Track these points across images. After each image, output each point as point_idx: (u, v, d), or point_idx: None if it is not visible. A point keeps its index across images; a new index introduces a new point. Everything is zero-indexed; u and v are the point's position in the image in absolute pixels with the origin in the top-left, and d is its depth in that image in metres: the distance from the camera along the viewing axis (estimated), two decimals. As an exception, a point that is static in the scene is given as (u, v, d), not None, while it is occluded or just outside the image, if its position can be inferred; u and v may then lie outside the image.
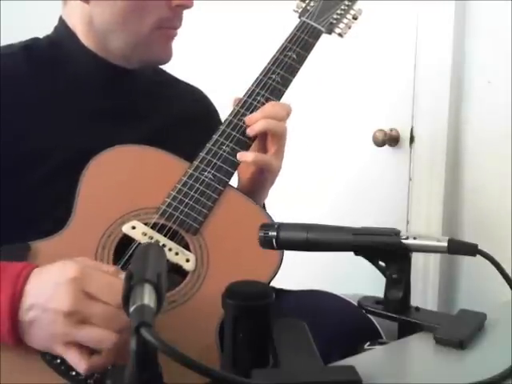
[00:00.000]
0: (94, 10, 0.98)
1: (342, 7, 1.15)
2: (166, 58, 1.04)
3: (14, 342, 0.76)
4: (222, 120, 1.04)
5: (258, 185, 1.05)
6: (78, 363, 0.75)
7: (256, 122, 0.99)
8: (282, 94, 1.05)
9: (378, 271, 0.79)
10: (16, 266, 0.78)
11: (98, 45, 1.01)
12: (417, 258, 1.53)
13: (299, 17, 1.14)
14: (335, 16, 1.14)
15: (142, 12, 0.97)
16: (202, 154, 0.98)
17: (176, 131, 1.06)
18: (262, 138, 1.02)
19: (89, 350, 0.75)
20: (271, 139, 1.01)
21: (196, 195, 0.94)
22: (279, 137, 1.01)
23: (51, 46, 1.03)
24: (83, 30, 1.01)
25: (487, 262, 0.77)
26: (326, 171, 1.78)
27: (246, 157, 0.98)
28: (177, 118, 1.09)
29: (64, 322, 0.74)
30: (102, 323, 0.74)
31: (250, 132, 0.99)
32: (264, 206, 1.13)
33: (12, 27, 1.77)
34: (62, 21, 1.04)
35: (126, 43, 0.99)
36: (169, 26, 1.01)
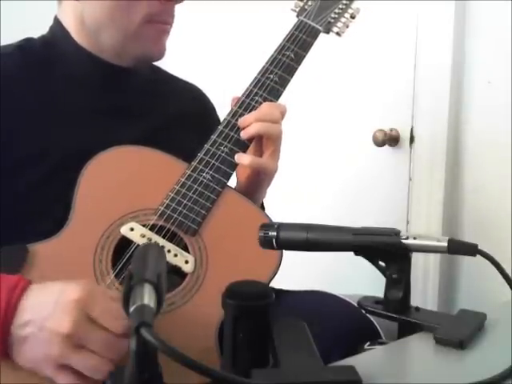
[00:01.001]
0: (84, 8, 0.98)
1: (340, 6, 1.14)
2: (159, 53, 1.03)
3: (1, 356, 0.73)
4: (220, 118, 1.04)
5: (255, 186, 1.04)
6: None
7: (249, 125, 0.99)
8: (280, 94, 1.05)
9: (378, 271, 0.79)
10: (11, 278, 0.76)
11: (91, 43, 1.01)
12: (417, 258, 1.53)
13: (297, 16, 1.13)
14: (333, 15, 1.14)
15: (129, 6, 0.96)
16: (201, 155, 0.97)
17: (173, 129, 1.06)
18: (258, 139, 1.01)
19: (81, 374, 0.73)
20: (266, 141, 1.01)
21: (194, 196, 0.94)
22: (274, 139, 1.00)
23: (46, 46, 1.03)
24: (77, 29, 1.01)
25: (487, 262, 0.77)
26: (326, 171, 1.78)
27: (242, 159, 0.98)
28: (174, 116, 1.09)
29: (61, 343, 0.71)
30: (99, 350, 0.72)
31: (243, 135, 0.99)
32: (262, 205, 1.13)
33: (12, 27, 1.77)
34: (57, 20, 1.04)
35: (116, 40, 0.99)
36: (159, 21, 1.00)
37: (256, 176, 1.02)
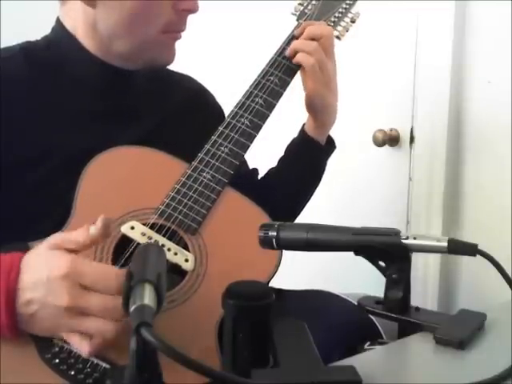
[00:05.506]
0: (99, 13, 0.96)
1: (340, 10, 1.15)
2: (171, 60, 1.04)
3: (13, 335, 0.77)
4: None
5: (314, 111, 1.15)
6: (81, 347, 0.77)
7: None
8: (281, 96, 1.05)
9: (378, 271, 0.79)
10: (4, 259, 0.78)
11: (100, 47, 1.00)
12: (417, 258, 1.53)
13: (297, 20, 1.14)
14: (333, 19, 1.14)
15: (149, 16, 0.96)
16: (201, 155, 0.98)
17: (176, 125, 1.07)
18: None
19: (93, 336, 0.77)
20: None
21: (195, 196, 0.94)
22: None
23: (49, 47, 1.03)
24: (84, 32, 1.00)
25: (487, 261, 0.77)
26: (325, 171, 1.77)
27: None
28: (176, 111, 1.09)
29: (65, 315, 0.75)
30: (101, 314, 0.75)
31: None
32: (332, 140, 1.25)
33: (12, 27, 1.77)
34: (59, 21, 1.03)
35: (130, 48, 0.99)
36: (174, 30, 1.01)
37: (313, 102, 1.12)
